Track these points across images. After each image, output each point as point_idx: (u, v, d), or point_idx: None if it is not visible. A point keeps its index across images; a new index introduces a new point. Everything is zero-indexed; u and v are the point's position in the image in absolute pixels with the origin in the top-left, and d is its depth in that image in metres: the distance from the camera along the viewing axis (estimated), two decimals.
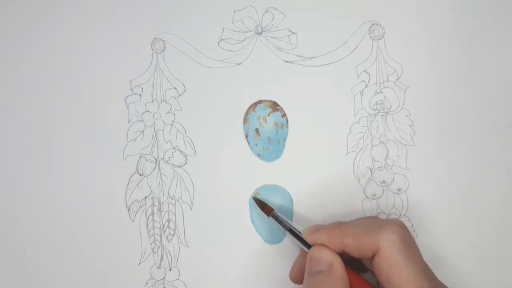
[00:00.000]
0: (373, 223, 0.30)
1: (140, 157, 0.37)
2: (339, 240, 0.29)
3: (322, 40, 0.38)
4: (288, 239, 0.36)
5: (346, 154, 0.37)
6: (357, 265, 0.31)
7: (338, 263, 0.29)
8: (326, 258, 0.29)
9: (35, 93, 0.37)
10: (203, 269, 0.36)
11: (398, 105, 0.37)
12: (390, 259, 0.27)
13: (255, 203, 0.36)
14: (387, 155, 0.37)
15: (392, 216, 0.37)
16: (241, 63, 0.38)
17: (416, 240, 0.30)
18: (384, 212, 0.37)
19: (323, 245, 0.30)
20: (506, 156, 0.37)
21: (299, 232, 0.32)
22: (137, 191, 0.37)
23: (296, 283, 0.34)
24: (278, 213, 0.34)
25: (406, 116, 0.37)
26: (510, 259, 0.36)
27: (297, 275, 0.33)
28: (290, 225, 0.33)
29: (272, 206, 0.35)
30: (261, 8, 0.38)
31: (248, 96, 0.37)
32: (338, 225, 0.30)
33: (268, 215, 0.35)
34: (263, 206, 0.35)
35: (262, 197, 0.36)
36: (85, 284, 0.36)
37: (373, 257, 0.28)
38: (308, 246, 0.31)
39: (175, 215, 0.37)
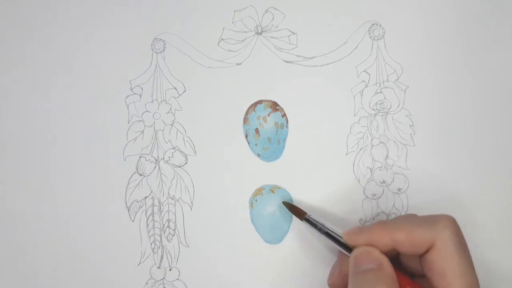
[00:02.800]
0: (424, 218, 0.29)
1: (140, 157, 0.37)
2: (388, 237, 0.29)
3: (322, 40, 0.38)
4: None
5: (346, 154, 0.37)
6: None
7: (386, 261, 0.29)
8: (375, 255, 0.29)
9: (35, 93, 0.37)
10: (203, 269, 0.36)
11: (398, 105, 0.37)
12: (446, 254, 0.27)
13: (285, 207, 0.35)
14: (387, 155, 0.37)
15: (392, 217, 0.37)
16: (241, 63, 0.38)
17: None
18: (384, 212, 0.37)
19: (370, 246, 0.29)
20: (506, 156, 0.37)
21: (339, 236, 0.31)
22: (137, 191, 0.37)
23: None
24: (312, 217, 0.33)
25: (406, 116, 0.37)
26: (510, 259, 0.36)
27: (338, 281, 0.32)
28: (327, 228, 0.32)
29: (305, 210, 0.34)
30: (261, 8, 0.38)
31: (248, 96, 0.37)
32: (383, 223, 0.30)
33: (301, 219, 0.34)
34: (295, 210, 0.34)
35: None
36: (85, 284, 0.36)
37: (424, 252, 0.28)
38: (349, 249, 0.30)
39: (175, 215, 0.37)
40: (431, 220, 0.28)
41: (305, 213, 0.34)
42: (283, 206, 0.36)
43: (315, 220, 0.33)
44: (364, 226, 0.31)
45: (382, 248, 0.29)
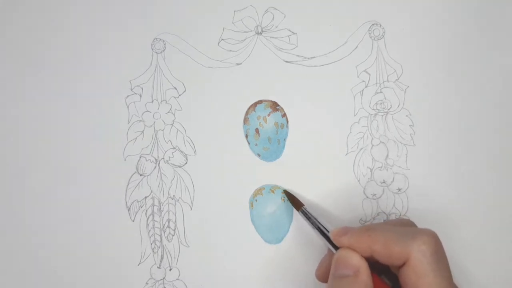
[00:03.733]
0: (405, 231, 0.29)
1: (140, 157, 0.37)
2: (367, 245, 0.29)
3: (322, 40, 0.38)
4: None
5: (346, 154, 0.37)
6: (383, 270, 0.31)
7: (364, 268, 0.29)
8: (353, 262, 0.29)
9: (35, 93, 0.37)
10: (203, 269, 0.36)
11: (398, 105, 0.37)
12: (420, 270, 0.27)
13: (285, 196, 0.36)
14: (387, 155, 0.37)
15: (392, 216, 0.37)
16: (241, 63, 0.38)
17: None
18: (384, 212, 0.37)
19: (350, 249, 0.30)
20: (506, 156, 0.37)
21: (327, 231, 0.31)
22: (137, 191, 0.37)
23: (321, 281, 0.33)
24: (308, 209, 0.34)
25: (406, 116, 0.37)
26: (510, 259, 0.36)
27: (324, 273, 0.33)
28: (319, 223, 0.32)
29: (303, 202, 0.35)
30: (261, 8, 0.38)
31: (248, 96, 0.37)
32: (368, 230, 0.29)
33: (297, 209, 0.34)
34: (293, 200, 0.35)
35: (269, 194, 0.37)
36: (85, 284, 0.36)
37: (401, 265, 0.28)
38: (336, 247, 0.31)
39: (175, 215, 0.37)
40: (410, 235, 0.28)
41: (303, 205, 0.34)
42: (283, 205, 0.36)
43: (310, 214, 0.33)
44: (351, 228, 0.30)
45: (363, 254, 0.29)
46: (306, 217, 0.33)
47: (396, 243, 0.28)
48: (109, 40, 0.38)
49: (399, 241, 0.28)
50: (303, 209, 0.34)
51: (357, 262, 0.29)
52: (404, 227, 0.31)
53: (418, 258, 0.27)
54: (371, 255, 0.29)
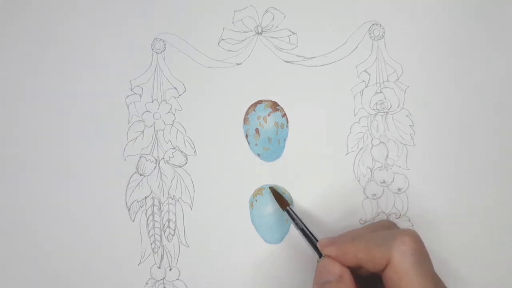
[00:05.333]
0: (385, 234, 0.29)
1: (140, 157, 0.37)
2: (353, 254, 0.29)
3: (322, 40, 0.38)
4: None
5: (346, 154, 0.37)
6: (372, 284, 0.31)
7: (347, 275, 0.29)
8: (336, 269, 0.29)
9: (35, 93, 0.37)
10: (203, 269, 0.36)
11: (398, 105, 0.37)
12: (401, 270, 0.27)
13: (271, 193, 0.36)
14: (387, 155, 0.37)
15: (392, 216, 0.37)
16: (241, 63, 0.38)
17: None
18: (384, 212, 0.37)
19: (332, 258, 0.30)
20: (506, 156, 0.37)
21: (315, 239, 0.32)
22: (137, 191, 0.37)
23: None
24: (293, 210, 0.34)
25: (406, 116, 0.37)
26: (510, 259, 0.36)
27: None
28: (305, 227, 0.33)
29: (288, 201, 0.35)
30: (261, 8, 0.38)
31: (248, 96, 0.37)
32: (353, 239, 0.30)
33: (283, 209, 0.34)
34: (279, 199, 0.35)
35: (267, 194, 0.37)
36: (85, 284, 0.36)
37: (383, 269, 0.28)
38: (317, 250, 0.31)
39: (175, 215, 0.37)
40: (389, 237, 0.29)
41: (289, 204, 0.35)
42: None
43: (295, 214, 0.34)
44: (336, 239, 0.31)
45: (349, 264, 0.30)
46: (291, 217, 0.34)
47: (376, 247, 0.28)
48: (109, 40, 0.38)
49: (379, 244, 0.28)
50: (289, 208, 0.34)
51: (340, 269, 0.29)
52: (385, 230, 0.32)
53: (398, 258, 0.27)
54: (358, 264, 0.29)
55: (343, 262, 0.30)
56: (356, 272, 0.30)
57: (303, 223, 0.33)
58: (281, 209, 0.35)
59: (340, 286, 0.29)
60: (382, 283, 0.30)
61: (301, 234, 0.33)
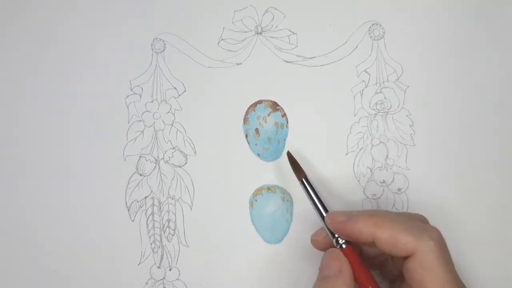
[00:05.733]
0: (412, 224, 0.30)
1: (140, 157, 0.37)
2: (371, 232, 0.29)
3: (322, 40, 0.38)
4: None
5: (346, 154, 0.37)
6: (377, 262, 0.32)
7: (346, 268, 0.30)
8: (335, 263, 0.30)
9: (35, 93, 0.37)
10: (203, 269, 0.36)
11: (398, 105, 0.37)
12: (427, 263, 0.28)
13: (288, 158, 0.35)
14: (387, 155, 0.37)
15: None
16: (241, 63, 0.38)
17: None
18: None
19: (335, 249, 0.31)
20: (506, 156, 0.37)
21: (324, 212, 0.32)
22: (137, 191, 0.37)
23: (315, 247, 0.33)
24: (310, 182, 0.33)
25: (406, 116, 0.37)
26: (510, 259, 0.36)
27: (321, 241, 0.33)
28: (318, 199, 0.32)
29: (305, 173, 0.34)
30: (261, 8, 0.38)
31: (248, 96, 0.37)
32: (371, 216, 0.30)
33: (299, 180, 0.33)
34: (296, 167, 0.34)
35: (263, 198, 0.37)
36: (85, 284, 0.36)
37: (405, 258, 0.29)
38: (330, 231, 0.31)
39: (175, 215, 0.37)
40: (419, 229, 0.29)
41: (305, 175, 0.34)
42: (283, 205, 0.36)
43: (310, 186, 0.33)
44: (352, 214, 0.30)
45: (363, 241, 0.30)
46: (305, 189, 0.33)
47: (403, 233, 0.28)
48: (109, 40, 0.38)
49: (407, 232, 0.28)
50: (305, 180, 0.33)
51: (339, 263, 0.30)
52: (411, 220, 0.31)
53: (426, 252, 0.28)
54: (373, 241, 0.29)
55: (354, 237, 0.30)
56: (362, 248, 0.30)
57: (317, 196, 0.32)
58: (296, 178, 0.34)
59: (338, 282, 0.29)
60: (389, 264, 0.31)
61: (315, 209, 0.32)
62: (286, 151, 0.35)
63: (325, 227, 0.32)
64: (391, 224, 0.29)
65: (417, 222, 0.31)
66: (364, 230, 0.29)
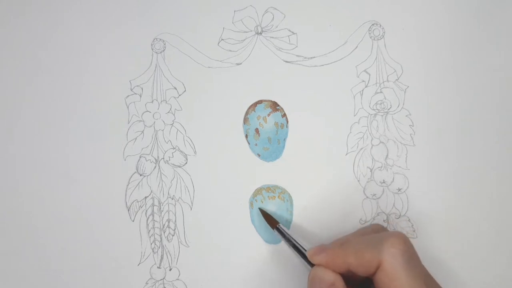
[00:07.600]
0: (374, 237, 0.29)
1: (140, 157, 0.37)
2: (342, 259, 0.29)
3: (322, 40, 0.38)
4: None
5: (346, 154, 0.37)
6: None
7: (339, 282, 0.29)
8: (328, 278, 0.29)
9: (35, 93, 0.37)
10: (203, 269, 0.36)
11: (398, 105, 0.37)
12: (392, 273, 0.27)
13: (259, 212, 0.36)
14: (387, 155, 0.37)
15: (392, 216, 0.37)
16: (241, 63, 0.38)
17: (416, 240, 0.30)
18: (384, 212, 0.37)
19: (323, 266, 0.30)
20: (506, 156, 0.37)
21: (304, 250, 0.32)
22: (137, 191, 0.37)
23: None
24: (283, 227, 0.34)
25: (406, 116, 0.37)
26: (510, 259, 0.36)
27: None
28: (295, 241, 0.33)
29: (277, 219, 0.35)
30: (261, 8, 0.38)
31: (248, 96, 0.37)
32: (341, 244, 0.30)
33: (272, 228, 0.35)
34: (268, 218, 0.35)
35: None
36: (85, 284, 0.36)
37: (374, 273, 0.28)
38: (311, 264, 0.31)
39: (175, 215, 0.37)
40: (378, 240, 0.29)
41: (278, 223, 0.35)
42: (283, 205, 0.36)
43: (285, 231, 0.34)
44: (325, 246, 0.31)
45: (339, 270, 0.29)
46: (281, 235, 0.34)
47: (366, 251, 0.28)
48: (109, 40, 0.38)
49: (369, 248, 0.28)
50: (278, 227, 0.34)
51: (332, 277, 0.29)
52: (375, 233, 0.31)
53: (388, 261, 0.27)
54: (348, 269, 0.29)
55: (334, 269, 0.30)
56: (349, 278, 0.30)
57: (293, 238, 0.33)
58: (271, 228, 0.35)
59: None
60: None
61: (293, 250, 0.33)
62: (258, 207, 0.36)
63: (306, 264, 0.32)
64: (354, 246, 0.29)
65: (378, 234, 0.31)
66: (336, 261, 0.29)
